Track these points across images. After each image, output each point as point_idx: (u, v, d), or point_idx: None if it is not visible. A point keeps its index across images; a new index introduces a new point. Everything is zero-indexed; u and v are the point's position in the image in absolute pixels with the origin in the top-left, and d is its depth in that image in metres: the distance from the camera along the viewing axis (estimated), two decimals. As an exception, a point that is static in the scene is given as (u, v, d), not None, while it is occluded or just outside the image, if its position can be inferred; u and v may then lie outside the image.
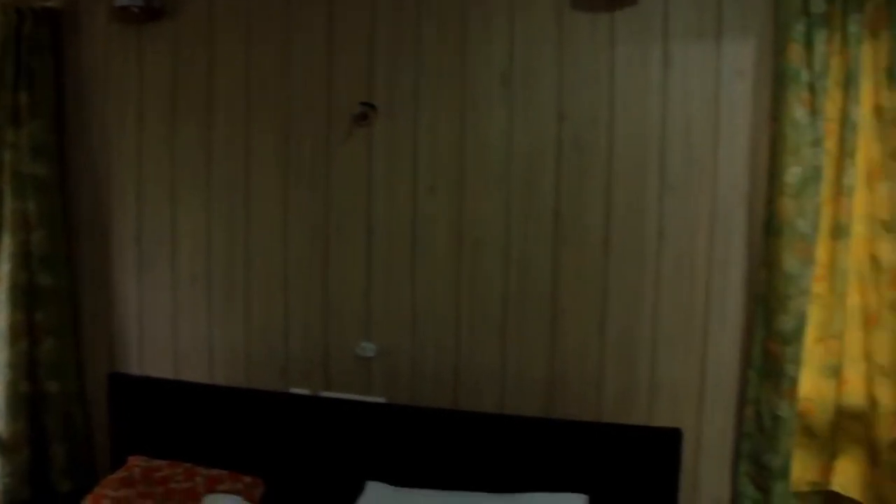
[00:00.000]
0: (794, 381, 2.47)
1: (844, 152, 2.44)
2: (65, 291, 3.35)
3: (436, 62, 2.83)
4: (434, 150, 2.84)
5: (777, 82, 2.49)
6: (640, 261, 2.66)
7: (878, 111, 2.45)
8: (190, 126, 3.16)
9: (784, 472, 2.52)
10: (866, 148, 2.47)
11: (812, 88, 2.44)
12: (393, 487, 2.62)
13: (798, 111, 2.44)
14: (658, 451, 2.53)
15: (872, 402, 2.47)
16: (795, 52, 2.44)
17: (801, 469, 2.57)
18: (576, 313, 2.72)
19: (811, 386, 2.53)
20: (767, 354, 2.52)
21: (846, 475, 2.55)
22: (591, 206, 2.69)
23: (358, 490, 2.62)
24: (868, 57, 2.45)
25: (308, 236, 3.01)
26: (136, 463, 2.86)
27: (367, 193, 2.93)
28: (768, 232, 2.50)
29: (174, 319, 3.23)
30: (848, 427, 2.53)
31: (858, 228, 2.47)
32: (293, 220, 3.03)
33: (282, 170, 3.04)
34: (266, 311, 3.09)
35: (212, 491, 2.70)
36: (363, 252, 2.94)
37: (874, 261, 2.45)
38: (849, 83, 2.43)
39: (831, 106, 2.46)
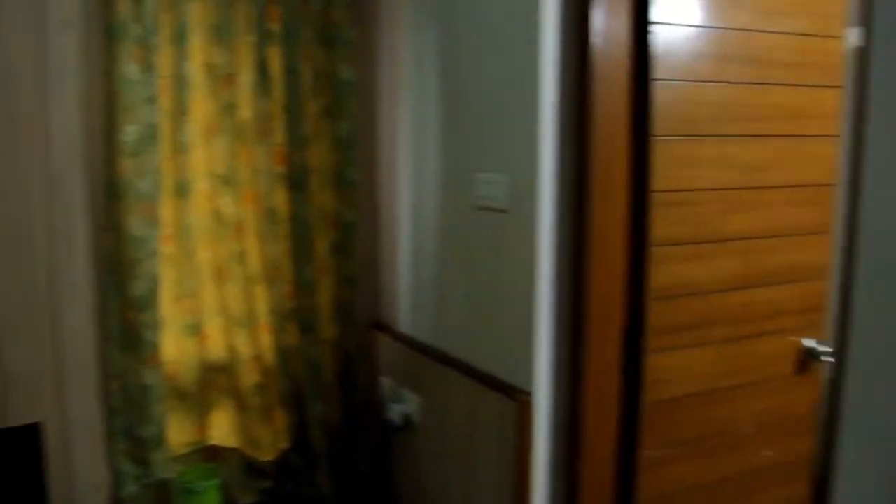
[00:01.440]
0: (154, 346, 2.41)
1: (180, 109, 2.42)
2: None
3: None
4: None
5: (107, 36, 2.34)
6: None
7: (210, 67, 2.48)
8: None
9: (160, 440, 2.47)
10: (201, 104, 2.49)
11: (144, 43, 2.35)
12: None
13: (130, 67, 2.33)
14: (16, 452, 2.26)
15: (233, 352, 2.55)
16: (125, 5, 2.31)
17: (177, 432, 2.56)
18: None
19: (174, 347, 2.51)
20: (124, 323, 2.40)
21: (221, 427, 2.62)
22: None
23: None
24: (197, 14, 2.46)
25: None
26: None
27: None
28: (109, 195, 2.37)
29: None
30: (215, 380, 2.59)
31: (201, 185, 2.50)
32: None
33: None
34: None
35: None
36: None
37: (218, 215, 2.50)
38: (179, 39, 2.40)
39: (164, 62, 2.41)
